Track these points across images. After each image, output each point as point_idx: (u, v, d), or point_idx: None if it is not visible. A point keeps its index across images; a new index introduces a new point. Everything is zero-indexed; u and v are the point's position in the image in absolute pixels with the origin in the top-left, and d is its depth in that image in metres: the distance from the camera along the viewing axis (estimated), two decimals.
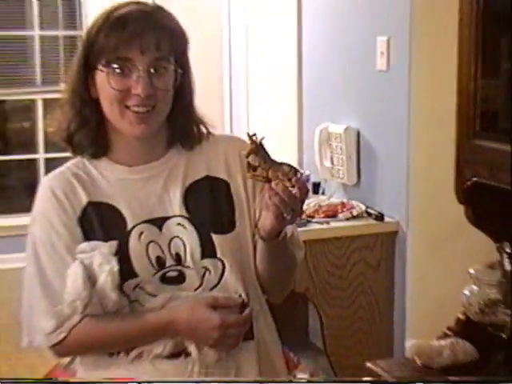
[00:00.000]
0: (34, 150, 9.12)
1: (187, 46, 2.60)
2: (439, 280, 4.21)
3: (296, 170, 2.36)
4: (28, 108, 9.21)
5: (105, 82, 2.49)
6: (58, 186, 2.57)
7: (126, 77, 2.47)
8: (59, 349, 2.58)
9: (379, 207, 5.10)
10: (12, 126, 9.33)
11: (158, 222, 2.56)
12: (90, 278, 2.47)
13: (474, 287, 3.02)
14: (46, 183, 2.61)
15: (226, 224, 2.61)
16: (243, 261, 2.62)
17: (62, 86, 8.83)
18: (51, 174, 2.65)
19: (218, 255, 2.56)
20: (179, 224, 2.57)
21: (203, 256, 2.55)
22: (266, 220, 2.40)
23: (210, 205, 2.60)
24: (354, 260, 4.93)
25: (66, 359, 4.49)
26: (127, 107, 2.49)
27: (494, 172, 2.97)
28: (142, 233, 2.54)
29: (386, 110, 5.03)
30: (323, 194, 5.53)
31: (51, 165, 9.16)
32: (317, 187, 5.63)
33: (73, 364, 4.26)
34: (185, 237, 2.56)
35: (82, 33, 8.81)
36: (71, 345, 2.55)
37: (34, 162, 9.12)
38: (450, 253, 4.02)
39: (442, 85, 3.39)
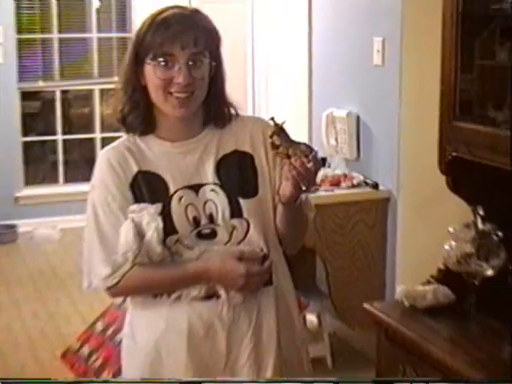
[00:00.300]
0: (92, 131, 9.18)
1: (220, 42, 2.59)
2: (424, 237, 4.20)
3: (311, 149, 2.38)
4: (87, 96, 9.24)
5: (152, 73, 2.49)
6: (114, 157, 2.57)
7: (169, 68, 2.47)
8: (113, 291, 2.59)
9: (375, 178, 5.10)
10: (74, 111, 9.36)
11: (195, 188, 2.56)
12: (139, 234, 2.48)
13: (453, 243, 3.01)
14: (104, 155, 2.61)
15: (251, 190, 2.60)
16: (265, 220, 2.61)
17: (116, 78, 8.83)
18: (108, 148, 2.64)
19: (244, 215, 2.56)
20: (212, 190, 2.56)
21: (232, 216, 2.55)
22: (286, 189, 2.41)
23: (237, 174, 2.60)
24: (354, 221, 4.94)
25: (119, 299, 4.52)
26: (170, 93, 2.49)
27: (470, 148, 2.96)
28: (181, 197, 2.54)
29: (382, 98, 5.03)
30: (329, 167, 5.51)
31: (106, 142, 9.15)
32: (324, 161, 5.62)
33: (124, 304, 4.29)
34: (217, 200, 2.55)
35: (131, 35, 8.81)
36: (123, 288, 2.56)
37: (92, 140, 9.19)
38: (433, 215, 4.01)
39: (428, 77, 3.38)
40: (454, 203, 3.22)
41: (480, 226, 2.97)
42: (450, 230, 3.04)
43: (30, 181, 8.98)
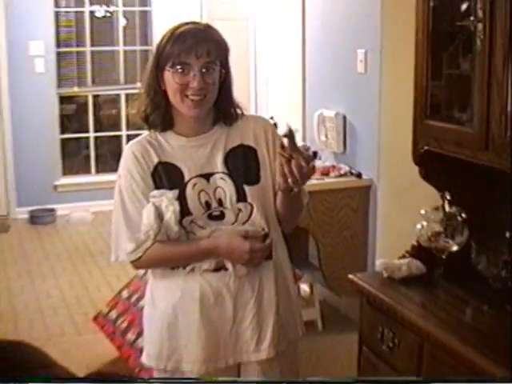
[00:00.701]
0: (118, 129, 9.17)
1: (228, 52, 2.59)
2: (400, 219, 4.20)
3: (311, 159, 2.41)
4: (115, 100, 9.22)
5: (171, 79, 2.50)
6: (138, 150, 2.59)
7: (185, 75, 2.48)
8: (136, 264, 2.61)
9: (359, 168, 5.10)
10: (104, 112, 9.36)
11: (207, 176, 2.57)
12: (159, 215, 2.49)
13: (424, 223, 3.01)
14: (129, 148, 2.62)
15: (254, 178, 2.60)
16: (266, 204, 2.61)
17: (139, 84, 8.83)
18: (132, 142, 2.66)
19: (248, 200, 2.57)
20: (221, 178, 2.57)
21: (238, 201, 2.56)
22: (283, 184, 2.41)
23: (242, 164, 2.60)
24: (341, 205, 4.93)
25: (142, 271, 4.53)
26: (186, 96, 2.50)
27: (439, 143, 2.95)
28: (195, 184, 2.55)
29: (365, 101, 5.02)
30: (320, 159, 5.51)
31: (130, 139, 9.14)
32: (315, 154, 5.63)
33: (146, 275, 4.30)
34: (225, 187, 2.56)
35: (152, 47, 8.81)
36: (145, 261, 2.57)
37: (118, 137, 9.18)
38: (407, 200, 4.01)
39: (403, 83, 3.36)
40: (425, 190, 3.22)
41: (447, 208, 2.96)
42: (422, 212, 3.03)
43: (66, 171, 8.98)
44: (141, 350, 3.99)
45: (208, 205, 2.55)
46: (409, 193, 3.91)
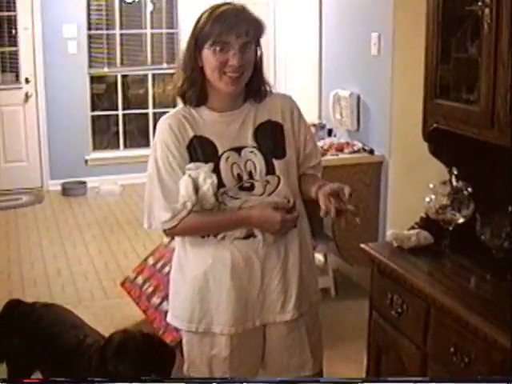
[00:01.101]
0: (145, 107, 9.18)
1: (263, 33, 2.56)
2: (409, 192, 4.20)
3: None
4: (142, 80, 9.22)
5: (210, 57, 2.47)
6: (174, 123, 2.55)
7: (225, 53, 2.45)
8: (170, 232, 2.60)
9: (371, 145, 5.10)
10: (132, 91, 9.35)
11: (238, 150, 2.55)
12: (196, 187, 2.48)
13: (433, 196, 3.00)
14: (165, 121, 2.58)
15: (281, 152, 2.59)
16: (291, 177, 2.62)
17: (165, 65, 8.79)
18: (167, 115, 2.62)
19: (276, 173, 2.56)
20: (251, 151, 2.56)
21: (267, 173, 2.56)
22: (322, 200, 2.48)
23: (270, 139, 2.59)
24: (354, 180, 4.92)
25: (167, 239, 4.56)
26: (224, 73, 2.47)
27: (448, 121, 2.95)
28: (228, 157, 2.53)
29: (377, 82, 5.00)
30: (335, 136, 5.51)
31: (157, 116, 9.19)
32: (330, 132, 5.63)
33: (171, 243, 4.34)
34: (255, 160, 2.55)
35: (177, 30, 8.82)
36: (179, 229, 2.56)
37: (145, 115, 9.18)
38: (417, 175, 4.00)
39: (414, 65, 3.34)
40: (434, 165, 3.21)
41: (454, 183, 2.96)
42: (431, 186, 3.03)
43: (96, 147, 9.01)
44: (165, 313, 4.02)
45: (239, 177, 2.53)
46: (418, 168, 3.91)
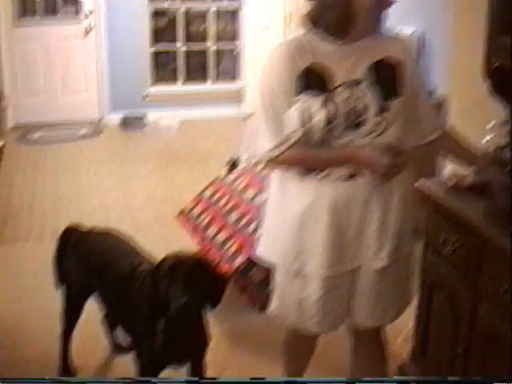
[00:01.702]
0: (205, 43, 9.18)
1: None
2: (471, 131, 4.16)
3: None
4: (204, 15, 9.20)
5: None
6: (293, 47, 2.48)
7: None
8: (272, 160, 2.55)
9: (433, 84, 5.05)
10: (193, 27, 9.33)
11: (352, 85, 2.48)
12: (304, 120, 2.44)
13: (491, 136, 2.99)
14: (282, 45, 2.52)
15: (395, 92, 2.52)
16: (402, 119, 2.54)
17: (227, 1, 8.69)
18: (285, 40, 2.56)
19: (388, 113, 2.50)
20: (366, 88, 2.48)
21: (378, 113, 2.48)
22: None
23: (386, 77, 2.51)
24: None
25: (223, 174, 4.61)
26: None
27: (510, 60, 2.91)
28: (341, 92, 2.46)
29: (439, 21, 4.93)
30: None
31: (217, 53, 9.22)
32: None
33: (226, 177, 4.38)
34: (368, 97, 2.47)
35: None
36: (281, 160, 2.52)
37: (204, 51, 9.18)
38: (478, 114, 3.96)
39: (478, 7, 3.29)
40: (493, 106, 3.19)
41: None
42: (489, 126, 3.01)
43: (155, 82, 9.07)
44: (220, 245, 4.08)
45: (350, 114, 2.46)
46: (478, 108, 3.87)
